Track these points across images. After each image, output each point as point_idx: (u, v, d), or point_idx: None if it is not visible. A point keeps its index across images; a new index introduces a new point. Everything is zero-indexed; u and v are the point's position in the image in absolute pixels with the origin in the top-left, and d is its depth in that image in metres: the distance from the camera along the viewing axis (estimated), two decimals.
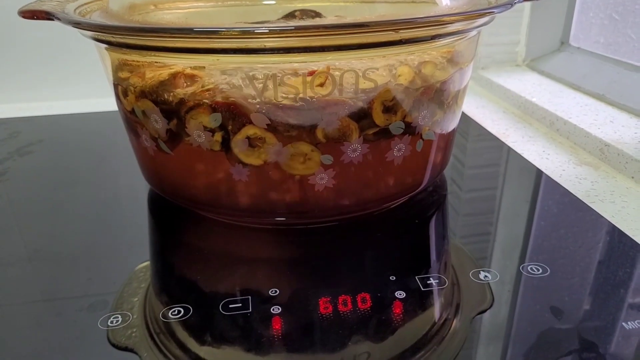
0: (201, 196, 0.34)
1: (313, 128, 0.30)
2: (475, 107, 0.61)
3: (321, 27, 0.25)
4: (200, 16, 0.33)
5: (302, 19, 0.34)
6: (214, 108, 0.30)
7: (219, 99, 0.29)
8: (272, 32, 0.25)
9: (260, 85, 0.29)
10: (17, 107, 0.64)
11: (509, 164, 0.46)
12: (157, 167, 0.36)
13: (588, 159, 0.46)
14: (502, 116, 0.58)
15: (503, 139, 0.51)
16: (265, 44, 0.26)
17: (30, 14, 0.32)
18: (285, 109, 0.29)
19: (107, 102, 0.37)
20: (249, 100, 0.29)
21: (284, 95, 0.29)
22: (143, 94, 0.32)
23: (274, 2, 0.32)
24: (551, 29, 0.66)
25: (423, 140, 0.34)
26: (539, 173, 0.43)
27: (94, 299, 0.29)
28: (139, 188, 0.41)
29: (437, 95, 0.33)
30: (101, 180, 0.44)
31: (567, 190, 0.40)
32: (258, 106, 0.29)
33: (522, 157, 0.46)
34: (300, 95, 0.29)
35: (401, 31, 0.27)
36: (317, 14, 0.35)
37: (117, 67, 0.34)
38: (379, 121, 0.31)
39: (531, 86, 0.60)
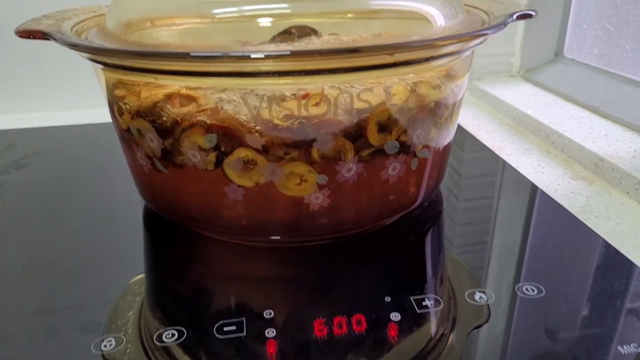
0: (196, 214, 0.34)
1: (308, 148, 0.30)
2: (470, 118, 0.61)
3: (316, 53, 0.25)
4: (197, 34, 0.33)
5: (298, 36, 0.34)
6: (208, 129, 0.30)
7: (214, 120, 0.30)
8: (268, 58, 0.25)
9: (256, 106, 0.29)
10: (14, 117, 0.64)
11: (504, 177, 0.46)
12: (152, 185, 0.36)
13: (583, 173, 0.46)
14: (497, 128, 0.58)
15: (498, 152, 0.51)
16: (261, 68, 0.26)
17: (27, 34, 0.32)
18: (280, 130, 0.29)
19: (104, 113, 0.37)
20: (244, 121, 0.29)
21: (278, 116, 0.29)
22: (138, 114, 0.32)
23: (269, 19, 0.32)
24: (545, 41, 0.66)
25: (418, 158, 0.34)
26: (534, 188, 0.43)
27: (88, 311, 0.29)
28: (135, 201, 0.41)
29: (432, 113, 0.33)
30: (96, 194, 0.44)
31: (562, 206, 0.40)
32: (253, 127, 0.29)
33: (517, 171, 0.46)
34: (295, 116, 0.29)
35: (395, 54, 0.27)
36: (313, 31, 0.35)
37: (113, 86, 0.34)
38: (374, 141, 0.31)
39: (526, 97, 0.61)
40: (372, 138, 0.31)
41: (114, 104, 0.34)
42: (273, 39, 0.32)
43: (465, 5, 0.40)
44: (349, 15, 0.33)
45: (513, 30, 0.67)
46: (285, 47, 0.27)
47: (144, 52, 0.26)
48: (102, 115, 0.55)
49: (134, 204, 0.41)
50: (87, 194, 0.44)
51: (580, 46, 0.68)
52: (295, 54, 0.25)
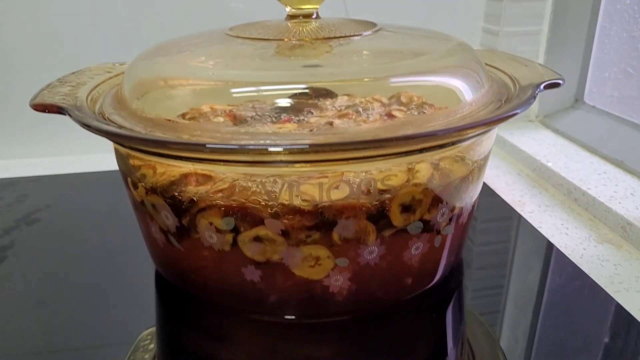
0: (210, 289, 0.33)
1: (328, 231, 0.29)
2: (489, 167, 0.60)
3: (337, 145, 0.24)
4: (210, 95, 0.32)
5: (315, 96, 0.33)
6: (226, 211, 0.29)
7: (231, 201, 0.29)
8: (287, 151, 0.24)
9: (274, 190, 0.28)
10: (24, 162, 0.63)
11: (525, 242, 0.45)
12: (165, 256, 0.35)
13: (609, 236, 0.45)
14: (516, 179, 0.56)
15: (519, 208, 0.49)
16: (279, 158, 0.25)
17: (42, 108, 0.31)
18: (299, 214, 0.28)
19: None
20: (263, 204, 0.28)
21: (298, 200, 0.28)
22: (153, 190, 0.31)
23: (284, 80, 0.31)
24: (565, 86, 0.65)
25: (441, 235, 0.32)
26: (559, 254, 0.42)
27: None
28: (148, 264, 0.40)
29: (457, 188, 0.32)
30: (109, 251, 0.43)
31: (589, 276, 0.39)
32: (272, 210, 0.28)
33: (539, 232, 0.45)
34: (316, 200, 0.28)
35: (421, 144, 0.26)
36: (329, 92, 0.33)
37: (127, 154, 0.33)
38: (397, 222, 0.30)
39: (546, 147, 0.59)
40: (395, 219, 0.30)
41: (128, 176, 0.33)
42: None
43: (488, 65, 0.39)
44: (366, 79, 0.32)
45: None
46: (303, 138, 0.26)
47: (159, 141, 0.25)
48: (115, 161, 0.55)
49: (146, 268, 0.40)
50: (99, 252, 0.43)
51: (600, 89, 0.67)
52: (314, 147, 0.24)
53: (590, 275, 0.39)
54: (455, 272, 0.39)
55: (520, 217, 0.48)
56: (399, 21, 0.66)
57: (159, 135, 0.26)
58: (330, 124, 0.28)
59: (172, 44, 0.36)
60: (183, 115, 0.30)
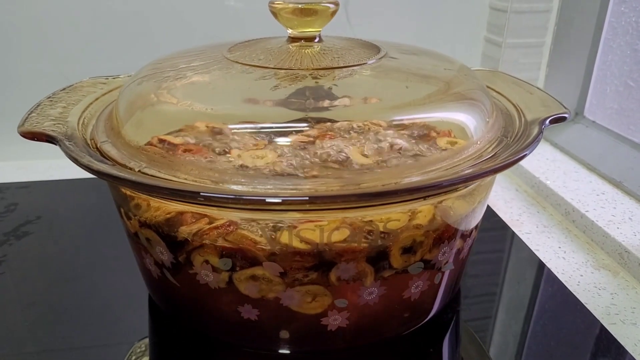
0: (205, 324, 0.33)
1: (326, 271, 0.28)
2: None
3: (337, 198, 0.23)
4: (203, 117, 0.31)
5: (313, 125, 0.32)
6: (223, 251, 0.28)
7: (227, 240, 0.28)
8: (286, 203, 0.23)
9: (273, 232, 0.27)
10: (14, 165, 0.62)
11: (521, 267, 0.44)
12: (160, 289, 0.34)
13: (606, 261, 0.44)
14: (514, 195, 0.56)
15: (517, 228, 0.49)
16: (278, 208, 0.24)
17: (31, 136, 0.30)
18: (298, 255, 0.28)
19: None
20: (260, 246, 0.27)
21: (297, 242, 0.27)
22: (147, 225, 0.30)
23: (284, 108, 0.30)
24: (565, 99, 0.64)
25: (442, 272, 0.32)
26: (555, 280, 0.41)
27: None
28: (141, 285, 0.39)
29: (459, 227, 0.31)
30: (102, 268, 0.42)
31: (585, 306, 0.38)
32: (270, 253, 0.27)
33: (537, 256, 0.44)
34: (316, 243, 0.27)
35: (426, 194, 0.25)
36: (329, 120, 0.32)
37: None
38: (397, 264, 0.29)
39: (545, 163, 0.59)
40: (395, 262, 0.29)
41: (121, 206, 0.32)
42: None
43: (490, 88, 0.38)
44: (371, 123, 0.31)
45: (533, 82, 0.65)
46: (303, 188, 0.25)
47: (151, 186, 0.24)
48: None
49: (139, 290, 0.39)
50: (90, 270, 0.42)
51: (599, 101, 0.66)
52: (314, 200, 0.23)
53: (587, 306, 0.39)
54: (453, 301, 0.39)
55: (517, 238, 0.47)
56: (402, 30, 0.65)
57: (150, 179, 0.25)
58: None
59: (170, 66, 0.34)
60: (178, 132, 0.29)
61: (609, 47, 0.64)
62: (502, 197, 0.56)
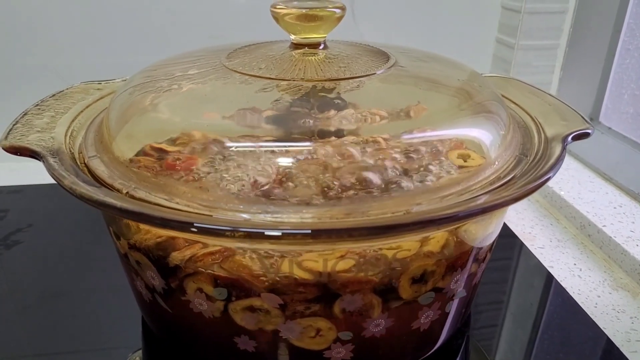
0: (200, 352, 0.31)
1: (330, 303, 0.26)
2: None
3: (344, 231, 0.21)
4: (198, 134, 0.29)
5: (317, 145, 0.29)
6: (217, 280, 0.26)
7: (223, 271, 0.26)
8: (286, 236, 0.21)
9: (272, 262, 0.25)
10: (6, 166, 0.60)
11: (534, 289, 0.42)
12: (152, 312, 0.32)
13: (625, 281, 0.42)
14: (526, 206, 0.54)
15: (529, 243, 0.47)
16: (278, 242, 0.22)
17: (14, 151, 0.28)
18: (300, 286, 0.25)
19: None
20: (259, 276, 0.25)
21: (299, 272, 0.25)
22: (137, 248, 0.28)
23: (286, 125, 0.28)
24: (580, 103, 0.62)
25: (454, 300, 0.30)
26: (573, 304, 0.39)
27: None
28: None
29: (474, 253, 0.29)
30: (94, 283, 0.40)
31: (604, 332, 0.36)
32: (268, 283, 0.25)
33: (551, 274, 0.42)
34: (319, 272, 0.25)
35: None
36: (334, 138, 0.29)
37: None
38: (406, 295, 0.27)
39: (558, 171, 0.56)
40: (403, 293, 0.27)
41: (110, 225, 0.30)
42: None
43: (504, 97, 0.36)
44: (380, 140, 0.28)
45: (546, 85, 0.62)
46: (306, 216, 0.23)
47: (140, 214, 0.22)
48: None
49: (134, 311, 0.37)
50: (85, 278, 0.40)
51: (616, 107, 0.64)
52: (316, 234, 0.21)
53: (605, 331, 0.36)
54: (463, 326, 0.37)
55: (530, 254, 0.45)
56: (410, 28, 0.62)
57: (138, 205, 0.23)
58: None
59: (164, 74, 0.32)
60: (174, 141, 0.27)
61: (626, 49, 0.62)
62: (514, 207, 0.53)
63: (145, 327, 0.36)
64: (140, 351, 0.35)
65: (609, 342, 0.35)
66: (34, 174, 0.58)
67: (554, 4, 0.58)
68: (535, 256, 0.44)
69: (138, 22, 0.59)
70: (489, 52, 0.64)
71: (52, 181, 0.26)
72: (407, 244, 0.25)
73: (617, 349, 0.35)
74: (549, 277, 0.42)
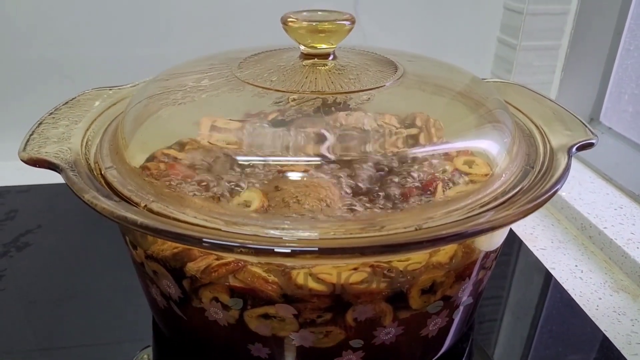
0: (213, 357, 0.32)
1: (342, 313, 0.27)
2: None
3: (357, 250, 0.22)
4: (215, 148, 0.29)
5: (330, 159, 0.30)
6: (233, 290, 0.27)
7: (238, 282, 0.26)
8: (295, 254, 0.21)
9: (286, 274, 0.26)
10: (13, 166, 0.60)
11: (536, 289, 0.43)
12: (167, 319, 0.32)
13: (625, 283, 0.43)
14: None
15: (530, 244, 0.48)
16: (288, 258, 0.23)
17: (33, 163, 0.29)
18: (314, 297, 0.26)
19: None
20: (273, 288, 0.26)
21: (312, 283, 0.26)
22: (154, 258, 0.28)
23: (298, 140, 0.29)
24: (580, 105, 0.63)
25: (461, 307, 0.31)
26: (574, 306, 0.40)
27: None
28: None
29: (482, 262, 0.30)
30: (104, 284, 0.41)
31: (605, 334, 0.37)
32: (283, 294, 0.26)
33: (552, 275, 0.43)
34: (333, 284, 0.26)
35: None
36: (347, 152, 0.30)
37: None
38: (416, 305, 0.28)
39: None
40: (413, 303, 0.28)
41: (126, 234, 0.31)
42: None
43: (508, 103, 0.36)
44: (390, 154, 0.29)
45: (547, 91, 0.63)
46: (318, 231, 0.24)
47: (156, 229, 0.22)
48: None
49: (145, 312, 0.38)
50: (96, 280, 0.41)
51: (614, 105, 0.64)
52: (324, 252, 0.21)
53: (607, 334, 0.37)
54: (468, 329, 0.38)
55: (532, 255, 0.46)
56: (413, 28, 0.62)
57: (159, 223, 0.23)
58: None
59: (177, 85, 0.32)
60: (182, 146, 0.28)
61: (627, 50, 0.62)
62: None
63: (155, 325, 0.37)
64: (149, 348, 0.36)
65: (610, 345, 0.36)
66: (41, 173, 0.59)
67: (556, 5, 0.59)
68: (536, 256, 0.45)
69: (140, 14, 0.58)
70: (491, 52, 0.65)
71: (60, 181, 0.26)
72: (417, 257, 0.26)
73: (618, 351, 0.36)
74: (549, 277, 0.43)
